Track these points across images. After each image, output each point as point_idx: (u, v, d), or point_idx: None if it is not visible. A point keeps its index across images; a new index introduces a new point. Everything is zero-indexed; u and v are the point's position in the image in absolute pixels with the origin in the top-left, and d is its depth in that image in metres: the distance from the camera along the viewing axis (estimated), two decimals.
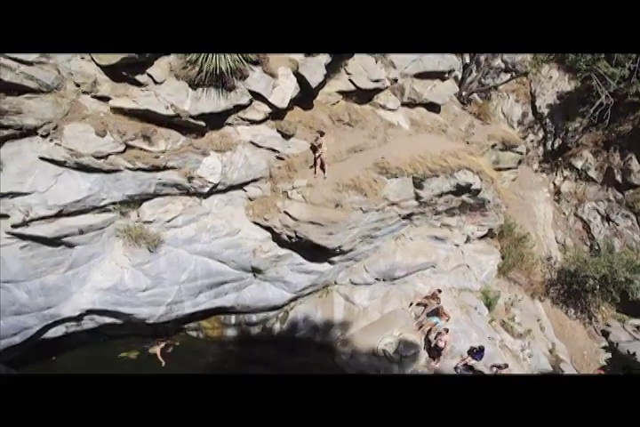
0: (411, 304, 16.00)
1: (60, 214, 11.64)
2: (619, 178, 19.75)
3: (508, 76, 22.10)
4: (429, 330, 15.25)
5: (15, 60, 10.30)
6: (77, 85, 11.43)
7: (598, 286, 18.22)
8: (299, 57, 13.84)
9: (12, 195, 11.03)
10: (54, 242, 11.89)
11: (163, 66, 11.95)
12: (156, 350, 14.66)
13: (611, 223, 19.72)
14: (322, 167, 14.34)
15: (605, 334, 18.23)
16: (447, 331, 14.50)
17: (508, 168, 20.87)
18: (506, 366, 14.29)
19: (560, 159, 21.80)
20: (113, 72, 11.64)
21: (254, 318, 15.70)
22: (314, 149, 14.30)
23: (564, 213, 21.00)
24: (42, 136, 11.21)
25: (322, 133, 14.03)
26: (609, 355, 17.81)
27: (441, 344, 14.46)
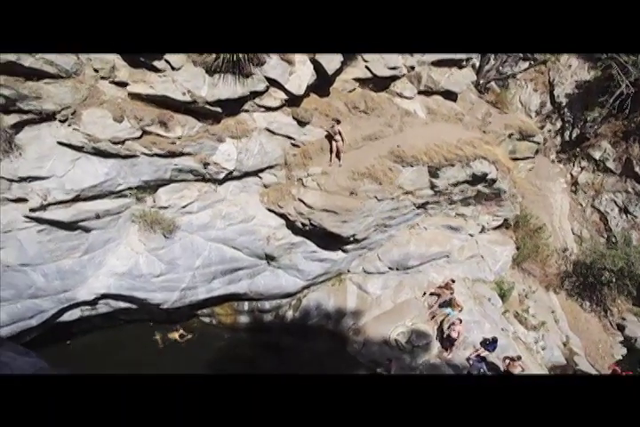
0: (424, 294, 15.97)
1: (77, 199, 11.72)
2: (638, 169, 19.41)
3: (527, 64, 21.76)
4: (442, 320, 15.23)
5: None
6: (96, 71, 11.44)
7: (614, 279, 18.01)
8: None
9: (31, 179, 11.12)
10: (71, 226, 12.01)
11: None
12: (175, 335, 14.99)
13: (629, 215, 19.44)
14: (337, 155, 14.28)
15: (621, 327, 18.16)
16: (460, 321, 14.46)
17: (525, 158, 20.59)
18: (519, 358, 14.21)
19: (578, 149, 21.47)
20: (131, 58, 11.63)
21: (267, 305, 15.78)
22: (329, 136, 14.22)
23: (581, 205, 20.73)
24: (60, 121, 11.26)
25: (338, 121, 13.93)
26: (624, 350, 17.72)
27: (454, 335, 14.42)
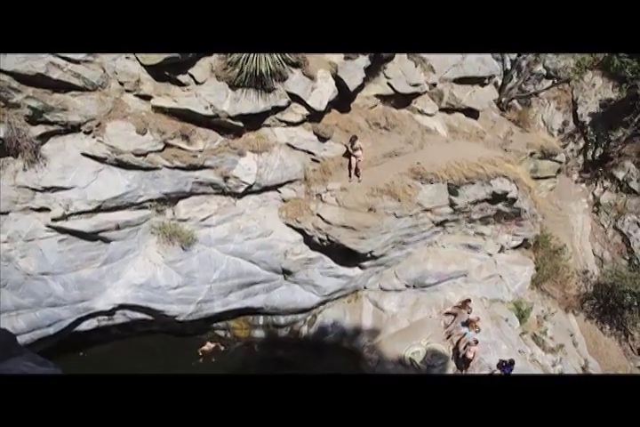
0: (440, 312, 15.77)
1: (98, 210, 11.89)
2: None
3: (550, 82, 21.56)
4: (458, 340, 14.99)
5: (64, 58, 10.55)
6: (121, 84, 11.65)
7: (636, 303, 17.62)
8: (338, 60, 13.80)
9: (54, 189, 11.34)
10: (91, 237, 12.16)
11: (204, 66, 12.08)
12: (205, 349, 15.19)
13: None
14: (356, 172, 14.27)
15: None
16: (477, 342, 14.21)
17: (547, 177, 20.35)
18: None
19: (600, 169, 21.12)
20: (156, 72, 11.81)
21: (282, 320, 15.71)
22: (348, 153, 14.22)
23: (603, 226, 20.37)
24: (85, 133, 11.49)
25: (356, 137, 13.91)
26: None
27: (469, 355, 14.18)
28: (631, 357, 17.81)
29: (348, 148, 14.18)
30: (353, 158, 14.12)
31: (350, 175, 14.35)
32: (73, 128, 11.33)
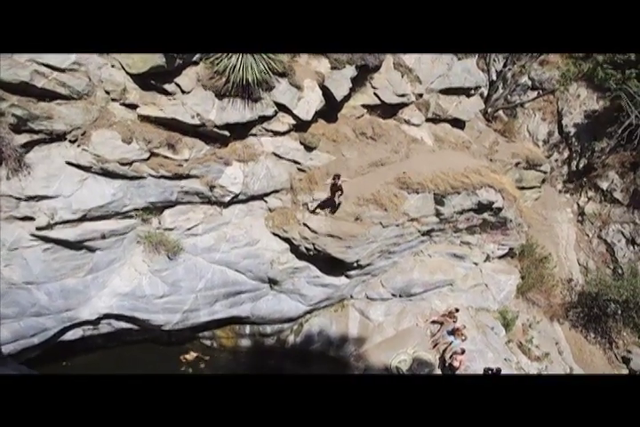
0: (426, 321, 15.81)
1: (83, 219, 11.83)
2: None
3: (535, 93, 21.88)
4: (445, 349, 15.02)
5: (49, 66, 10.53)
6: (107, 93, 11.63)
7: (620, 311, 17.80)
8: (325, 69, 13.91)
9: (39, 198, 11.26)
10: (76, 246, 12.08)
11: (190, 75, 12.11)
12: (187, 357, 15.09)
13: (636, 247, 19.25)
14: (338, 205, 14.12)
15: (626, 360, 17.84)
16: (463, 351, 14.26)
17: (532, 187, 20.58)
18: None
19: (585, 180, 21.41)
20: (142, 80, 11.81)
21: (269, 329, 15.66)
22: (333, 189, 13.73)
23: (588, 235, 20.59)
24: (70, 141, 11.45)
25: (338, 176, 13.48)
26: None
27: (456, 364, 14.21)
28: (615, 364, 17.92)
29: (332, 184, 13.64)
30: (336, 194, 13.74)
31: (334, 209, 14.20)
32: (58, 137, 11.28)
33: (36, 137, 11.10)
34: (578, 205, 21.37)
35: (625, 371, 17.76)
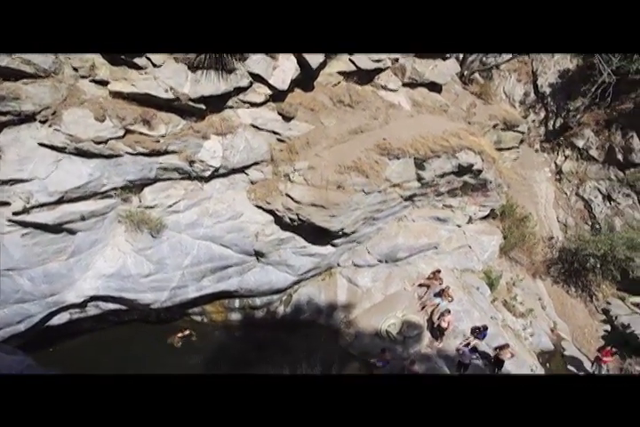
0: (413, 285, 16.08)
1: (61, 201, 11.50)
2: (620, 157, 19.66)
3: (510, 55, 21.77)
4: (432, 311, 15.35)
5: None
6: (75, 70, 11.22)
7: (599, 265, 18.31)
8: None
9: (13, 182, 10.88)
10: (56, 229, 11.81)
11: None
12: (174, 339, 14.99)
13: (612, 202, 19.71)
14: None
15: (606, 311, 18.49)
16: (450, 312, 14.59)
17: (510, 148, 20.77)
18: (507, 346, 14.39)
19: (561, 139, 21.67)
20: (111, 56, 11.40)
21: (258, 301, 15.74)
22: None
23: (566, 193, 20.96)
24: (40, 122, 11.03)
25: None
26: (609, 333, 18.03)
27: (444, 325, 14.57)
28: (596, 316, 18.56)
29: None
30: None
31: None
32: (27, 117, 10.84)
33: (4, 119, 10.62)
34: (555, 164, 21.67)
35: (605, 322, 18.38)
